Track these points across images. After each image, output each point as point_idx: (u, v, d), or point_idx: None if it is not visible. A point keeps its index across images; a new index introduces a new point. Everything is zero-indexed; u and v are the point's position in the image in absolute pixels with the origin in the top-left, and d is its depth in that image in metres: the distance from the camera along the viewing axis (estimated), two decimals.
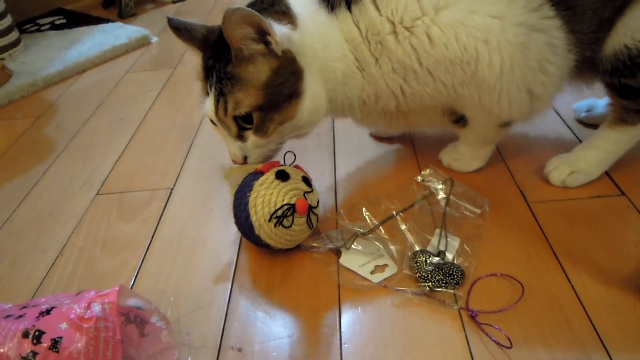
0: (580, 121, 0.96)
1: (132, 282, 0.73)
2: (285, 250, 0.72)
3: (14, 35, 1.59)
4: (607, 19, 0.67)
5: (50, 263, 0.79)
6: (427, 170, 0.83)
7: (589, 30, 0.68)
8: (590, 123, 0.94)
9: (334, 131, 1.02)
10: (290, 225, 0.68)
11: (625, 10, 0.66)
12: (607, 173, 0.81)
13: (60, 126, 1.20)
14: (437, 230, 0.73)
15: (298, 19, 0.68)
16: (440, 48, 0.65)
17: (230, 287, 0.70)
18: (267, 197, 0.68)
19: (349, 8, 0.68)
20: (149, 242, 0.80)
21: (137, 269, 0.75)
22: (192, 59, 1.46)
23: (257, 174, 0.71)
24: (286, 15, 0.67)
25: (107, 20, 1.79)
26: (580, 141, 0.91)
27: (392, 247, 0.71)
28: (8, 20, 1.56)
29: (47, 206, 0.93)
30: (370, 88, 0.73)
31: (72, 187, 0.97)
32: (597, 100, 0.95)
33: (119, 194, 0.93)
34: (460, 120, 0.80)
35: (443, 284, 0.64)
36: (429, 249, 0.70)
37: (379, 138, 0.98)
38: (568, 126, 0.95)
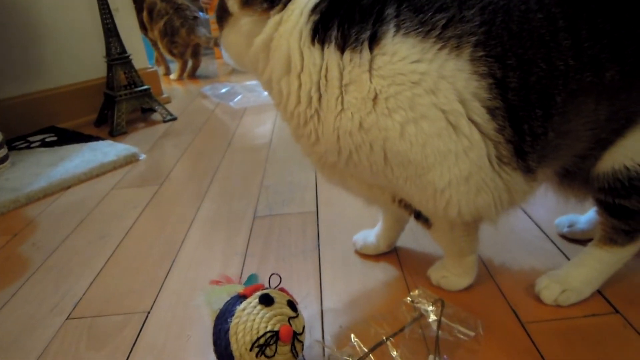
0: (564, 236, 0.96)
1: None
2: None
3: (2, 152, 1.61)
4: (604, 139, 0.68)
5: None
6: (416, 291, 0.81)
7: (584, 148, 0.69)
8: (573, 238, 0.95)
9: (319, 249, 1.01)
10: (274, 355, 0.63)
11: (626, 133, 0.67)
12: (599, 291, 0.80)
13: (37, 244, 1.17)
14: (431, 357, 0.69)
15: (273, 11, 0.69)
16: (406, 144, 0.65)
17: None
18: (249, 323, 0.64)
19: (341, 50, 0.65)
20: None
21: None
22: (178, 176, 1.49)
23: (240, 298, 0.68)
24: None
25: (97, 138, 1.84)
26: (565, 255, 0.91)
27: None
28: None
29: (11, 333, 0.86)
30: (315, 125, 0.70)
31: (41, 311, 0.91)
32: (579, 216, 0.96)
33: (90, 319, 0.87)
34: (419, 216, 0.78)
35: None
36: None
37: (364, 255, 0.97)
38: (552, 241, 0.96)
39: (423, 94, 0.63)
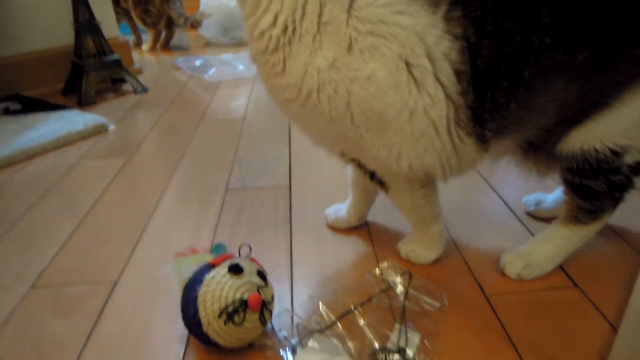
0: (530, 214, 0.99)
1: None
2: (236, 349, 0.67)
3: None
4: (571, 117, 0.69)
5: None
6: (385, 263, 0.82)
7: (549, 124, 0.70)
8: (539, 216, 0.98)
9: (290, 222, 1.01)
10: (242, 322, 0.63)
11: (595, 115, 0.68)
12: (560, 266, 0.83)
13: (0, 213, 1.13)
14: (397, 326, 0.70)
15: None
16: (373, 88, 0.63)
17: None
18: (217, 292, 0.64)
19: None
20: (84, 342, 0.73)
21: None
22: (149, 148, 1.46)
23: (210, 267, 0.68)
24: None
25: (64, 107, 1.78)
26: (531, 233, 0.93)
27: (350, 344, 0.67)
28: None
29: None
30: (285, 55, 0.65)
31: (3, 281, 0.89)
32: (545, 195, 0.99)
33: (56, 288, 0.86)
34: (374, 176, 0.79)
35: None
36: (388, 345, 0.67)
37: (336, 228, 0.97)
38: (519, 219, 0.98)
39: (397, 49, 0.62)
